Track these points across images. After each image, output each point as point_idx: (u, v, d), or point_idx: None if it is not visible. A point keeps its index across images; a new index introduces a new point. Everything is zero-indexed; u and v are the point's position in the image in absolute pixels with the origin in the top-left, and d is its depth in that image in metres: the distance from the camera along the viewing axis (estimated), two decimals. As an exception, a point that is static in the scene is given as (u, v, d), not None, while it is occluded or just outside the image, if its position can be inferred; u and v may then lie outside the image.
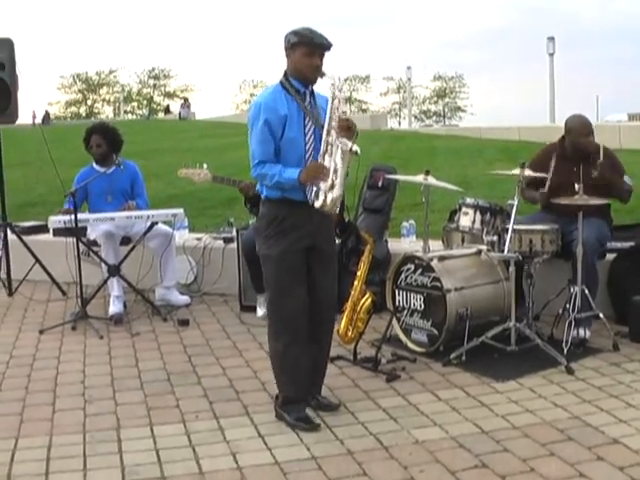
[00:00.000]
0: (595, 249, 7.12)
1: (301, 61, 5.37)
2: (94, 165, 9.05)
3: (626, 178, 7.50)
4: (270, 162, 5.37)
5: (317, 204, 5.33)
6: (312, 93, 5.51)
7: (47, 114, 68.30)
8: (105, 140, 8.98)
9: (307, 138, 5.41)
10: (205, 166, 8.65)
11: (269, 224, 5.44)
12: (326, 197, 5.30)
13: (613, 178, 7.27)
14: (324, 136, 5.35)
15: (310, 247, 5.47)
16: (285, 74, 5.48)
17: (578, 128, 7.57)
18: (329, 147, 5.33)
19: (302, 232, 5.40)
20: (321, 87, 5.55)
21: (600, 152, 7.15)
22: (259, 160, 5.39)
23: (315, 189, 5.32)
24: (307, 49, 5.34)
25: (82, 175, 8.95)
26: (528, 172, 6.90)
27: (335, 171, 5.29)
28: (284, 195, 5.39)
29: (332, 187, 5.30)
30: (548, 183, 7.20)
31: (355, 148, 5.28)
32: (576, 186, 6.80)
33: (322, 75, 5.42)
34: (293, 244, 5.38)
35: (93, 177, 8.74)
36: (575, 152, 7.52)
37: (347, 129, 5.34)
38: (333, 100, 5.38)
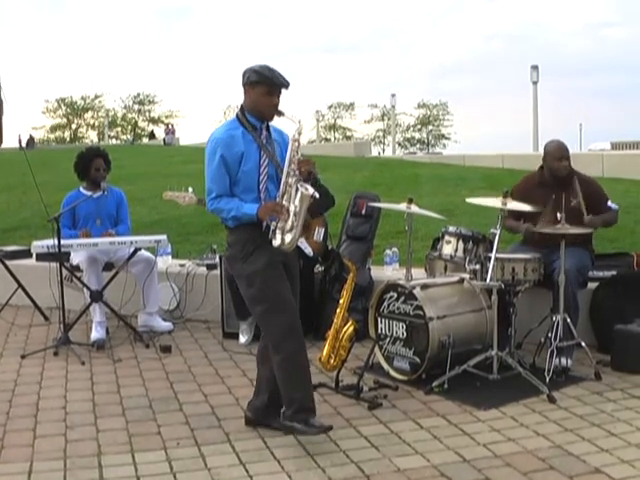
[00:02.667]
0: (575, 280, 7.16)
1: (260, 100, 5.51)
2: (81, 189, 9.05)
3: (609, 203, 7.56)
4: (226, 196, 5.49)
5: (275, 243, 5.42)
6: (267, 127, 5.63)
7: (31, 138, 68.22)
8: (105, 164, 9.01)
9: (262, 170, 5.52)
10: (190, 189, 8.68)
11: (243, 247, 5.51)
12: (284, 237, 5.40)
13: (594, 222, 7.31)
14: (283, 178, 5.46)
15: (283, 262, 5.56)
16: (242, 109, 5.64)
17: (552, 152, 7.67)
18: (288, 188, 5.42)
19: (274, 250, 5.46)
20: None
21: (576, 179, 7.26)
22: (216, 195, 5.50)
23: (272, 228, 5.42)
24: (267, 88, 5.49)
25: (69, 198, 8.97)
26: (510, 204, 6.91)
27: (295, 214, 5.38)
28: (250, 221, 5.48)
29: (291, 229, 5.38)
30: (540, 221, 7.29)
31: (316, 194, 5.39)
32: (558, 215, 6.84)
33: (280, 114, 5.54)
34: (273, 257, 5.46)
35: (81, 200, 8.76)
36: (553, 178, 7.59)
37: (307, 172, 5.49)
38: (294, 142, 5.49)
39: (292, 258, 5.72)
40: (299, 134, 5.53)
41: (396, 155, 56.36)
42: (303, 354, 5.57)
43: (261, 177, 5.52)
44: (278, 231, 5.41)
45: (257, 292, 5.53)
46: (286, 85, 5.54)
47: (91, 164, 8.95)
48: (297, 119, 5.56)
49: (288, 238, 5.39)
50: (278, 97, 5.56)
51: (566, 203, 7.02)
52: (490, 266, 6.70)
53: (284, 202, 5.41)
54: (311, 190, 5.36)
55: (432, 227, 9.64)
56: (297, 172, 5.45)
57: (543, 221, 7.27)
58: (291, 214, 5.39)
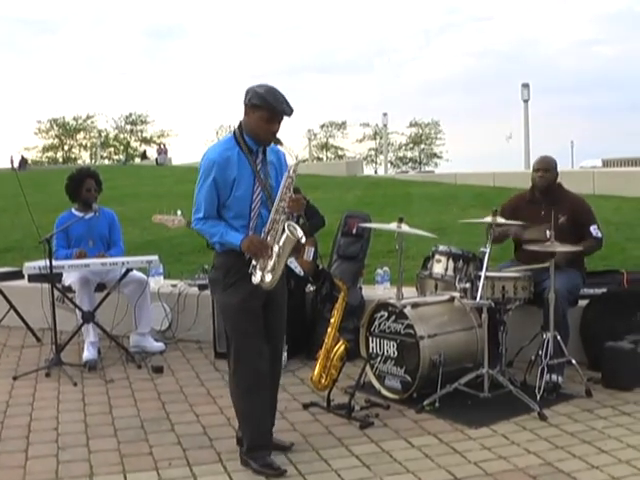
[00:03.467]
0: (566, 300, 7.19)
1: (259, 125, 5.37)
2: (73, 210, 9.07)
3: (592, 228, 7.56)
4: (212, 219, 5.44)
5: (254, 280, 5.37)
6: (264, 150, 5.52)
7: (23, 159, 68.25)
8: (96, 185, 9.02)
9: (254, 197, 5.43)
10: (179, 212, 8.69)
11: (226, 273, 5.46)
12: (264, 277, 5.35)
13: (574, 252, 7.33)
14: (271, 214, 5.39)
15: (266, 292, 5.47)
16: (240, 128, 5.50)
17: (534, 165, 7.77)
18: (275, 225, 5.37)
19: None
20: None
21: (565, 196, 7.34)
22: (203, 216, 5.44)
23: (254, 263, 5.37)
24: (268, 115, 5.34)
25: (61, 220, 8.97)
26: (499, 220, 6.97)
27: (278, 255, 5.33)
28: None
29: (272, 270, 5.34)
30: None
31: (302, 239, 5.35)
32: (547, 233, 6.87)
33: (278, 142, 5.47)
34: (252, 292, 5.39)
35: (73, 221, 8.77)
36: (541, 195, 7.66)
37: (297, 208, 5.43)
38: (288, 178, 5.41)
39: (279, 286, 5.63)
40: (294, 171, 5.42)
41: (388, 174, 56.48)
42: (259, 394, 5.51)
43: (253, 204, 5.43)
44: (258, 269, 5.36)
45: (228, 324, 5.55)
46: (289, 114, 5.41)
47: (82, 185, 8.95)
48: (295, 154, 5.46)
49: (268, 278, 5.34)
50: (279, 124, 5.42)
51: (554, 220, 7.05)
52: (480, 284, 6.73)
53: (269, 238, 5.35)
54: (299, 233, 5.30)
55: (423, 246, 9.67)
56: (286, 209, 5.38)
57: (529, 235, 7.34)
58: (274, 255, 5.33)
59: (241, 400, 5.57)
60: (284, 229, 5.33)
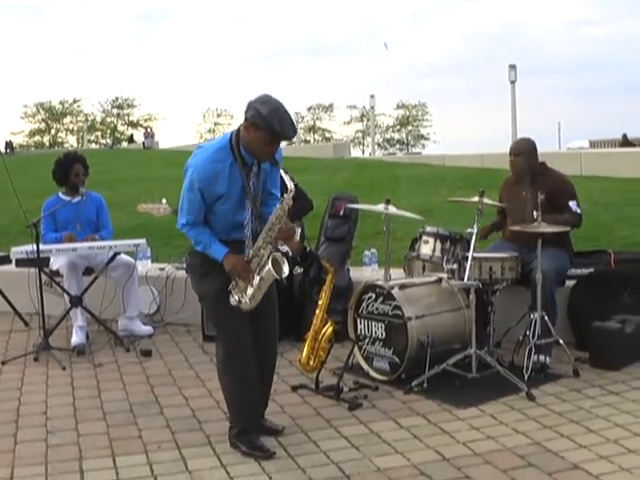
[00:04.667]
0: (553, 280, 7.21)
1: (259, 145, 5.16)
2: (60, 194, 9.04)
3: (572, 204, 7.57)
4: (198, 226, 5.33)
5: (231, 301, 5.32)
6: (259, 163, 5.34)
7: (9, 143, 67.94)
8: (84, 169, 9.00)
9: (245, 214, 5.35)
10: (164, 201, 8.69)
11: (203, 261, 5.41)
12: (241, 301, 5.31)
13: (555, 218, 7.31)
14: (259, 241, 5.31)
15: None
16: (237, 137, 5.25)
17: (509, 151, 7.77)
18: (260, 252, 5.30)
19: None
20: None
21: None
22: (188, 221, 5.32)
23: (233, 283, 5.32)
24: (269, 138, 5.12)
25: (49, 204, 8.93)
26: (487, 200, 6.98)
27: (258, 287, 5.28)
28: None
29: (250, 299, 5.30)
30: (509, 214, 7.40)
31: (284, 277, 5.29)
32: (534, 214, 6.89)
33: (275, 164, 5.35)
34: (228, 281, 5.35)
35: (60, 205, 8.73)
36: (522, 177, 7.69)
37: (287, 238, 5.45)
38: (280, 210, 5.29)
39: None
40: (286, 204, 5.28)
41: (375, 156, 56.44)
42: (246, 382, 5.49)
43: (237, 217, 5.34)
44: (237, 291, 5.31)
45: (207, 313, 5.54)
46: (292, 137, 5.30)
47: (70, 170, 8.91)
48: (291, 184, 5.35)
49: (245, 305, 5.31)
50: (278, 145, 5.24)
51: (536, 199, 7.04)
52: (467, 265, 6.73)
53: (252, 264, 5.28)
54: (283, 271, 5.23)
55: (411, 228, 9.67)
56: (273, 240, 5.30)
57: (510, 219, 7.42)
58: (254, 284, 5.27)
59: (228, 385, 5.58)
60: (268, 259, 5.26)
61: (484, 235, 7.87)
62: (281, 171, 5.49)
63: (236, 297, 5.32)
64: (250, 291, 5.29)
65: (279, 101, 5.18)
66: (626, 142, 36.22)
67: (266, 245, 5.30)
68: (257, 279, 5.28)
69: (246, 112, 5.16)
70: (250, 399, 5.55)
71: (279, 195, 5.55)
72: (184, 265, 9.47)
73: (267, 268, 5.24)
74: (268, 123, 5.04)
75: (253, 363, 5.50)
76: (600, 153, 30.56)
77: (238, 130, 5.28)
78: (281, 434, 5.77)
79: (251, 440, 5.50)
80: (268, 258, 5.27)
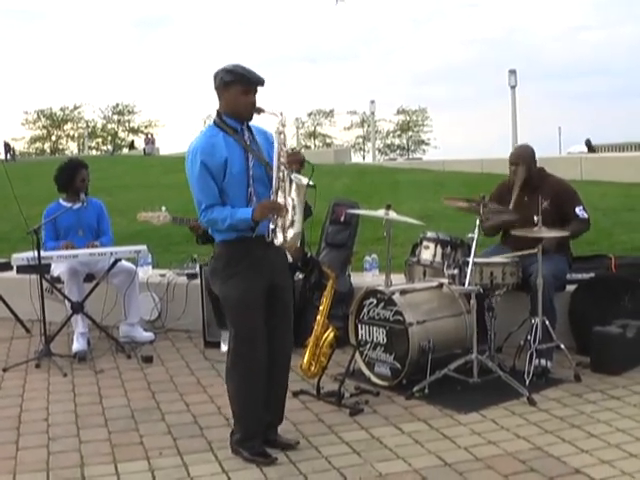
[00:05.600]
0: (551, 285, 7.20)
1: (237, 100, 5.33)
2: (61, 201, 9.06)
3: (578, 210, 7.58)
4: (217, 205, 5.31)
5: (277, 242, 5.27)
6: (249, 128, 5.46)
7: (8, 145, 67.72)
8: (88, 175, 9.02)
9: (250, 174, 5.35)
10: (164, 209, 8.68)
11: (226, 265, 5.40)
12: (286, 234, 5.25)
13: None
14: (274, 173, 5.29)
15: (269, 285, 5.44)
16: (218, 114, 5.44)
17: (509, 159, 7.78)
18: (281, 183, 5.28)
19: (261, 271, 5.36)
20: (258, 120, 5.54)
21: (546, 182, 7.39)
22: (206, 205, 5.31)
23: (272, 227, 5.27)
24: (243, 87, 5.30)
25: (50, 210, 8.95)
26: (489, 205, 6.99)
27: (293, 207, 5.24)
28: (239, 235, 5.34)
29: (292, 224, 5.24)
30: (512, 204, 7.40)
31: (310, 182, 5.26)
32: (535, 218, 6.89)
33: (259, 111, 5.39)
34: (253, 284, 5.34)
35: (61, 211, 8.74)
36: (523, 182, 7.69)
37: (297, 162, 5.33)
38: (279, 135, 5.34)
39: (283, 279, 5.64)
40: (283, 126, 5.35)
41: (376, 161, 56.46)
42: (256, 387, 5.48)
43: (250, 180, 5.34)
44: (279, 229, 5.26)
45: (229, 316, 5.52)
46: (262, 82, 5.35)
47: (76, 175, 8.94)
48: (278, 112, 5.36)
49: (290, 234, 5.24)
50: (254, 95, 5.37)
51: (534, 206, 7.05)
52: (468, 271, 6.74)
53: (279, 196, 5.27)
54: (305, 180, 5.24)
55: (411, 233, 9.66)
56: (286, 165, 5.28)
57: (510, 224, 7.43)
58: (289, 208, 5.24)
59: (237, 391, 5.55)
60: (291, 181, 5.26)
61: (492, 231, 7.87)
62: (265, 113, 5.45)
63: (280, 236, 5.26)
64: (289, 217, 5.24)
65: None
66: (589, 148, 36.25)
67: (282, 174, 5.28)
68: (290, 201, 5.25)
69: (214, 82, 5.42)
70: (256, 405, 5.52)
71: None
72: (185, 271, 9.57)
73: (294, 184, 5.24)
74: (235, 72, 5.31)
75: (263, 369, 5.48)
76: (600, 158, 30.58)
77: (217, 111, 5.47)
78: (294, 448, 5.69)
79: (253, 446, 5.49)
80: (290, 180, 5.27)
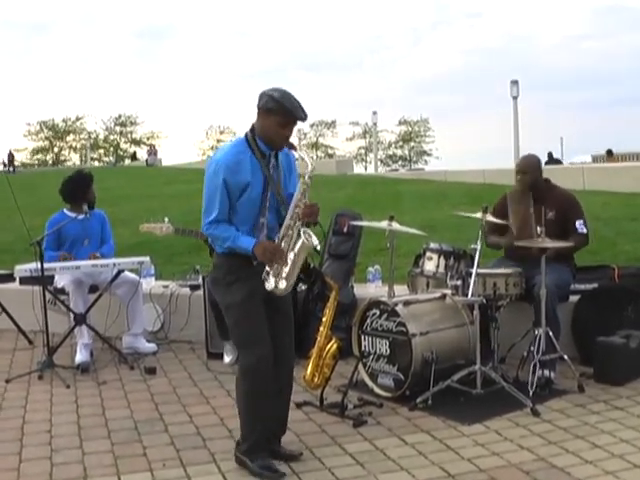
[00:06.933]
0: (555, 295, 7.19)
1: (273, 129, 5.27)
2: (65, 211, 9.07)
3: (578, 224, 7.57)
4: (224, 222, 5.31)
5: (267, 286, 5.32)
6: (276, 155, 5.42)
7: (12, 156, 67.81)
8: (93, 188, 9.08)
9: (266, 205, 5.36)
10: (166, 220, 8.72)
11: (227, 273, 5.41)
12: (278, 283, 5.31)
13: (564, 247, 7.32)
14: (286, 220, 5.30)
15: (268, 295, 5.42)
16: (252, 130, 5.38)
17: (515, 168, 7.79)
18: (289, 232, 5.30)
19: (260, 280, 5.35)
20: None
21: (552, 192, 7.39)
22: (213, 219, 5.30)
23: (267, 269, 5.31)
24: (283, 120, 5.25)
25: (53, 221, 8.97)
26: (490, 217, 7.00)
27: (292, 263, 5.29)
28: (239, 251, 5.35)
29: (287, 277, 5.30)
30: (514, 230, 7.39)
31: (317, 246, 5.38)
32: (538, 229, 6.90)
33: (291, 147, 5.40)
34: (255, 290, 5.34)
35: (66, 222, 8.76)
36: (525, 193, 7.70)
37: (312, 215, 5.36)
38: (304, 184, 5.32)
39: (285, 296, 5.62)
40: (309, 177, 5.33)
41: (378, 172, 56.44)
42: (264, 395, 5.45)
43: (265, 210, 5.36)
44: (272, 275, 5.30)
45: (232, 324, 5.51)
46: (304, 119, 5.31)
47: (82, 189, 8.99)
48: (310, 161, 5.36)
49: (282, 285, 5.30)
50: (292, 129, 5.36)
51: (543, 216, 7.07)
52: (472, 281, 6.74)
53: (283, 243, 5.29)
54: (314, 241, 5.28)
55: (414, 244, 9.66)
56: (300, 216, 5.29)
57: (512, 235, 7.42)
58: (289, 262, 5.28)
59: (245, 396, 5.52)
60: (299, 235, 5.28)
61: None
62: (302, 152, 5.49)
63: (272, 281, 5.30)
64: (286, 269, 5.29)
65: (287, 90, 5.32)
66: (551, 160, 36.29)
67: (294, 223, 5.30)
68: (291, 255, 5.29)
69: (259, 102, 5.31)
70: (265, 413, 5.50)
71: None
72: (188, 283, 9.56)
73: (300, 241, 5.27)
74: (281, 104, 5.21)
75: (272, 376, 5.46)
76: (603, 168, 30.53)
77: (252, 127, 5.39)
78: (298, 459, 5.68)
79: (262, 458, 5.45)
80: (298, 233, 5.29)
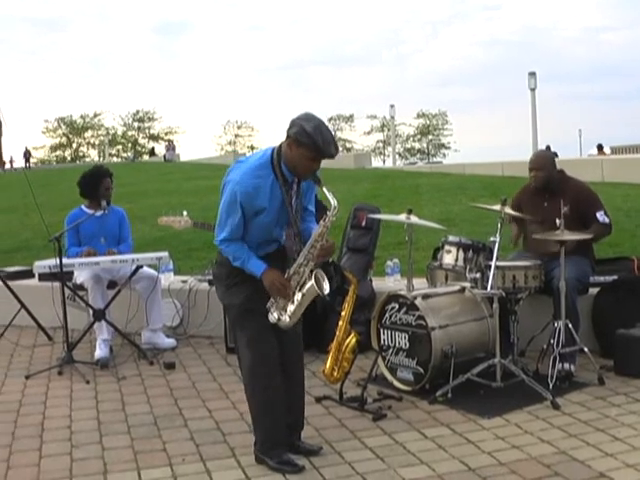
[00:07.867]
0: (574, 288, 7.17)
1: (301, 162, 5.14)
2: (83, 207, 9.07)
3: (599, 214, 7.53)
4: (236, 241, 5.27)
5: (271, 319, 5.30)
6: (299, 182, 5.33)
7: (28, 153, 68.09)
8: (112, 183, 9.08)
9: (283, 232, 5.35)
10: (185, 213, 8.70)
11: (229, 274, 5.39)
12: (281, 318, 5.28)
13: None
14: (300, 258, 5.26)
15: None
16: (279, 154, 5.23)
17: (528, 165, 7.73)
18: (301, 269, 5.26)
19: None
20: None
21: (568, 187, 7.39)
22: (227, 237, 5.26)
23: (272, 300, 5.29)
24: (312, 155, 5.11)
25: (72, 217, 8.96)
26: (508, 210, 6.98)
27: (300, 303, 5.27)
28: None
29: (291, 316, 5.28)
30: (530, 225, 7.38)
31: (326, 294, 5.27)
32: (557, 222, 6.87)
33: (317, 182, 5.28)
34: (256, 290, 5.30)
35: (84, 218, 8.75)
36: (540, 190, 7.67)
37: (326, 256, 5.37)
38: (322, 227, 5.24)
39: None
40: (330, 221, 5.23)
41: (396, 166, 56.40)
42: (272, 392, 5.43)
43: (274, 233, 5.33)
44: (276, 308, 5.28)
45: (233, 324, 5.50)
46: (334, 156, 5.20)
47: (101, 183, 8.96)
48: (335, 201, 5.26)
49: (286, 321, 5.29)
50: (319, 163, 5.21)
51: (555, 210, 7.04)
52: (491, 274, 6.71)
53: (292, 281, 5.25)
54: (325, 289, 5.23)
55: (432, 237, 9.67)
56: (315, 257, 5.25)
57: (531, 229, 7.41)
58: (295, 301, 5.26)
59: (254, 394, 5.52)
60: (310, 276, 5.24)
61: (516, 241, 7.88)
62: (324, 188, 5.33)
63: (275, 315, 5.29)
64: (291, 308, 5.26)
65: (321, 119, 5.17)
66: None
67: (307, 262, 5.26)
68: (299, 295, 5.26)
69: (289, 129, 5.15)
70: (276, 409, 5.48)
71: (314, 211, 5.58)
72: (206, 277, 9.56)
73: (310, 284, 5.22)
74: (313, 140, 5.04)
75: (278, 372, 5.46)
76: (621, 159, 30.46)
77: (279, 147, 5.25)
78: (317, 454, 5.67)
79: (279, 454, 5.45)
80: (310, 274, 5.25)
